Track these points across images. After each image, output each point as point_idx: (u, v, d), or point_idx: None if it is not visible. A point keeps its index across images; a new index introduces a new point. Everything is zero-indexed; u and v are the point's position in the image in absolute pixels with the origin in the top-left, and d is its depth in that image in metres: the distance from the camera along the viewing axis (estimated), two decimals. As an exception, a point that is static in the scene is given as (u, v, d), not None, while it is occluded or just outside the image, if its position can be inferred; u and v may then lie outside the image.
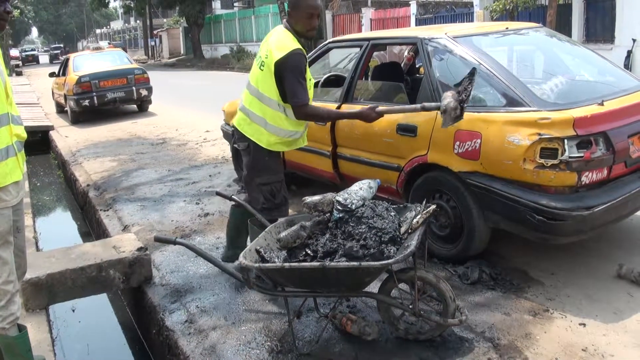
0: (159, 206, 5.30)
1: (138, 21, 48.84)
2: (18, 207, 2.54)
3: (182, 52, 39.09)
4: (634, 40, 11.58)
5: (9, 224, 2.41)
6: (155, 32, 41.22)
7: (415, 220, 2.62)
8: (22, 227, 2.66)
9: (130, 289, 3.82)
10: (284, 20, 3.13)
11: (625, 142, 3.12)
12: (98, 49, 14.66)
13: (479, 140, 3.17)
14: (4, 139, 2.37)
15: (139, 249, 3.68)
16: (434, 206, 2.69)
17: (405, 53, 5.62)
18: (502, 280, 3.25)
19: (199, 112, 11.24)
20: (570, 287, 3.15)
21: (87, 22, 71.62)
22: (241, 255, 2.60)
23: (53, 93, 13.70)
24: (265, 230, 2.88)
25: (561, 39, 4.36)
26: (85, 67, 11.95)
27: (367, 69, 4.72)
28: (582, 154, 2.92)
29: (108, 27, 68.80)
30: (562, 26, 12.67)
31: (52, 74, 13.26)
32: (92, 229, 5.91)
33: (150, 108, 12.41)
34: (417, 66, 5.46)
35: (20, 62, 41.69)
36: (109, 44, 39.46)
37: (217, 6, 37.24)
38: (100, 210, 5.48)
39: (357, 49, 4.43)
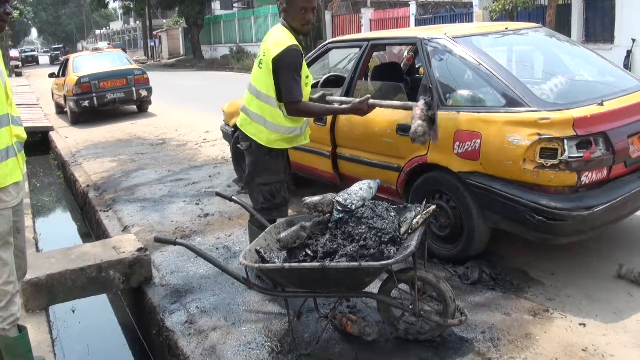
0: (158, 206, 5.30)
1: (137, 22, 48.83)
2: (18, 207, 2.54)
3: (181, 52, 39.06)
4: (634, 40, 11.57)
5: (9, 224, 2.41)
6: (154, 32, 41.21)
7: (415, 221, 2.62)
8: (22, 227, 2.66)
9: (130, 290, 3.82)
10: (281, 18, 3.15)
11: (625, 142, 3.12)
12: (97, 49, 14.64)
13: (478, 140, 3.17)
14: (3, 139, 2.38)
15: (139, 250, 3.68)
16: (433, 206, 2.69)
17: (405, 53, 5.62)
18: (502, 280, 3.25)
19: (198, 112, 11.23)
20: (570, 287, 3.15)
21: (86, 22, 71.57)
22: (241, 255, 2.60)
23: (53, 94, 13.68)
24: (265, 230, 2.89)
25: (561, 39, 4.36)
26: (84, 68, 11.94)
27: (367, 69, 4.73)
28: (581, 154, 2.93)
29: (107, 27, 68.69)
30: (562, 26, 12.66)
31: (51, 75, 13.25)
32: (91, 230, 5.91)
33: (150, 108, 12.40)
34: (416, 66, 5.46)
35: (19, 63, 41.74)
36: (108, 44, 39.51)
37: (216, 7, 37.27)
38: (100, 210, 5.47)
39: (357, 49, 4.44)
